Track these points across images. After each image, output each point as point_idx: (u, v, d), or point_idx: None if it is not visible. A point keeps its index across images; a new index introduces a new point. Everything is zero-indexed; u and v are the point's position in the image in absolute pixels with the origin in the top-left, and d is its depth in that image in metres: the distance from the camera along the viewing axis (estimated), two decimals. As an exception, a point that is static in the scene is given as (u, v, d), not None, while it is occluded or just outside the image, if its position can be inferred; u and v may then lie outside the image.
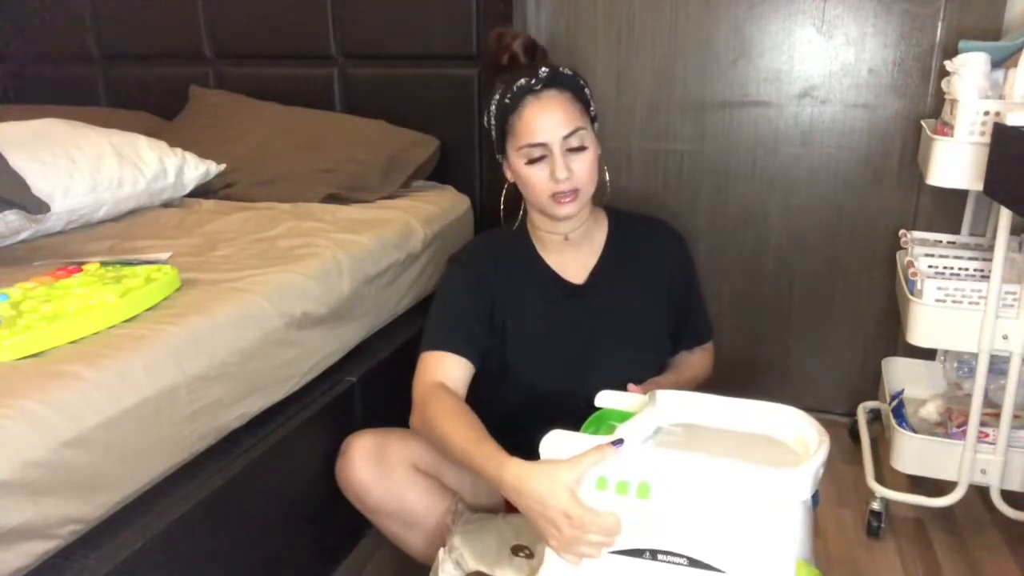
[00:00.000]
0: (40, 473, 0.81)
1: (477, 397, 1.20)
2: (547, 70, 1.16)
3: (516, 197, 1.26)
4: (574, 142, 1.15)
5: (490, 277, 1.27)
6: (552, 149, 1.15)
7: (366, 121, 1.95)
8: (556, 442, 0.94)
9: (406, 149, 1.89)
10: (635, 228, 1.33)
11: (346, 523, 1.31)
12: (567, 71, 1.19)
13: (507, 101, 1.17)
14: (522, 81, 1.16)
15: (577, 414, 1.04)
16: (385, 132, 1.92)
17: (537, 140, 1.14)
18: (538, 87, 1.15)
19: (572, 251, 1.29)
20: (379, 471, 1.20)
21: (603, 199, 1.31)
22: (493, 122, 1.21)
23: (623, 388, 1.11)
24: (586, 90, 1.20)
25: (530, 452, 0.96)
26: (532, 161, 1.16)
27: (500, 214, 1.31)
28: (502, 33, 1.24)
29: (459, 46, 1.95)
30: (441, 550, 1.12)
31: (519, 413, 1.20)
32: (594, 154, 1.19)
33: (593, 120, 1.22)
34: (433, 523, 1.21)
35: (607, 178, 1.28)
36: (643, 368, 1.27)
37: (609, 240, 1.31)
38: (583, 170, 1.17)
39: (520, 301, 1.27)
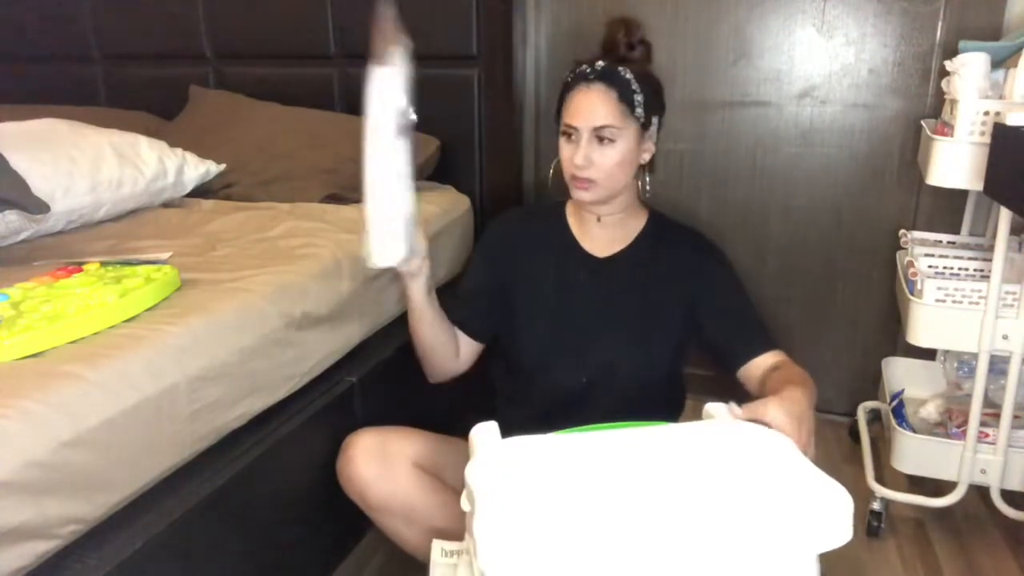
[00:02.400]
0: (40, 473, 0.81)
1: (491, 370, 1.29)
2: (603, 64, 1.21)
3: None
4: (604, 135, 1.19)
5: (506, 249, 1.35)
6: (581, 134, 1.20)
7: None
8: (480, 434, 0.93)
9: (406, 149, 1.89)
10: (672, 230, 1.34)
11: (346, 523, 1.32)
12: (626, 73, 1.21)
13: (568, 80, 1.24)
14: (583, 67, 1.23)
15: (577, 388, 1.11)
16: (385, 132, 1.92)
17: (572, 122, 1.21)
18: (591, 77, 1.21)
19: (604, 232, 1.31)
20: (380, 468, 1.21)
21: (639, 198, 1.32)
22: (558, 96, 1.27)
23: (618, 370, 1.14)
24: (637, 96, 1.21)
25: (535, 422, 0.96)
26: (566, 137, 1.23)
27: (547, 185, 1.37)
28: (611, 21, 1.28)
29: (459, 46, 1.95)
30: (435, 541, 1.12)
31: (524, 382, 1.27)
32: (623, 154, 1.21)
33: (645, 125, 1.23)
34: (434, 521, 1.21)
35: (647, 180, 1.30)
36: (643, 357, 1.27)
37: (643, 233, 1.32)
38: (603, 164, 1.20)
39: (539, 269, 1.32)
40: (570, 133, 1.22)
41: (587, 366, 1.25)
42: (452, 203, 1.88)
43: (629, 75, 1.21)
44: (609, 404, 1.24)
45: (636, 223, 1.32)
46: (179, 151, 1.75)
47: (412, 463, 1.23)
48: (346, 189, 1.76)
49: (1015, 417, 1.46)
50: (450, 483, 1.24)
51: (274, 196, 1.75)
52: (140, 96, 2.26)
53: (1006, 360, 1.44)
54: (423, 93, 2.10)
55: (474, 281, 1.38)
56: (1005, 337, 1.42)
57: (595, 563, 0.68)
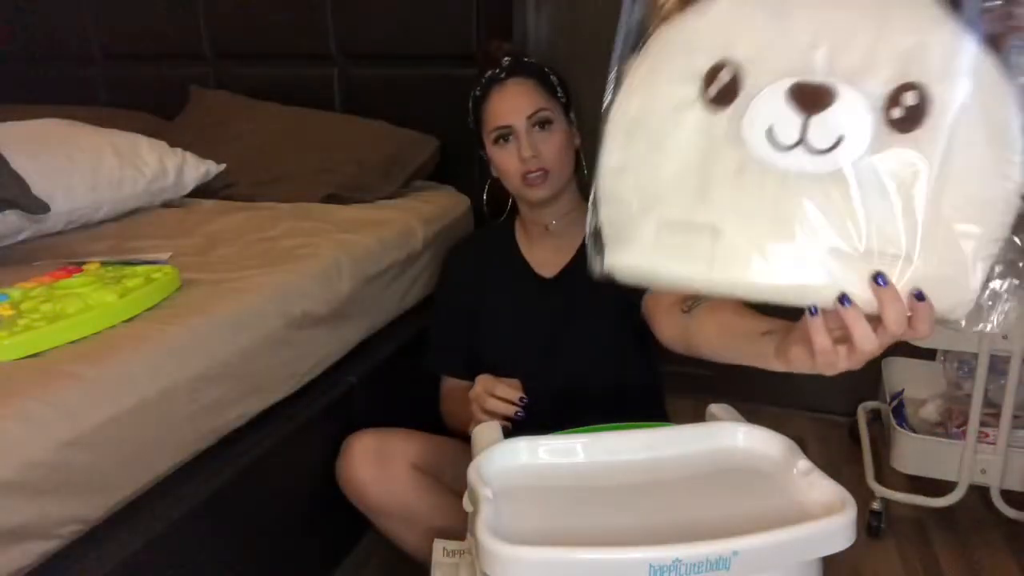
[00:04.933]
0: (40, 473, 0.81)
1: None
2: (509, 59, 1.22)
3: (502, 193, 1.33)
4: (540, 118, 1.19)
5: (466, 276, 1.36)
6: (518, 130, 1.20)
7: (366, 121, 1.95)
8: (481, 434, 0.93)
9: (406, 149, 1.89)
10: None
11: (346, 523, 1.32)
12: (531, 60, 1.25)
13: (477, 93, 1.26)
14: (489, 73, 1.24)
15: (547, 408, 1.09)
16: (385, 132, 1.92)
17: (502, 123, 1.20)
18: (502, 76, 1.22)
19: (552, 242, 1.30)
20: (380, 470, 1.20)
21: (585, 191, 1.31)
22: (471, 117, 1.29)
23: (588, 383, 1.12)
24: (552, 77, 1.24)
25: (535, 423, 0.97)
26: (499, 145, 1.22)
27: (484, 211, 1.39)
28: (487, 44, 1.31)
29: (459, 46, 1.94)
30: (436, 540, 1.12)
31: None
32: (564, 137, 1.22)
33: (566, 108, 1.25)
34: (433, 522, 1.21)
35: (583, 166, 1.29)
36: (608, 366, 1.26)
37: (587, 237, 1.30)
38: (550, 150, 1.20)
39: (495, 294, 1.33)
40: (504, 135, 1.21)
41: (553, 386, 1.21)
42: (452, 203, 1.88)
43: (533, 60, 1.24)
44: (589, 418, 1.21)
45: (580, 227, 1.29)
46: (179, 151, 1.75)
47: (411, 465, 1.22)
48: (346, 189, 1.76)
49: (1015, 417, 1.46)
50: (450, 484, 1.24)
51: (274, 196, 1.74)
52: (140, 96, 2.26)
53: (1006, 360, 1.44)
54: (423, 93, 2.11)
55: (448, 323, 1.39)
56: (1005, 337, 1.42)
57: (596, 563, 0.68)
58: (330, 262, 1.35)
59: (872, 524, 1.61)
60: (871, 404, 1.95)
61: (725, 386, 1.23)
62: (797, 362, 0.69)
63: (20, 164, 1.38)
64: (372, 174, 1.80)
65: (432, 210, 1.76)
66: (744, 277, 0.63)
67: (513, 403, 1.09)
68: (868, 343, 0.61)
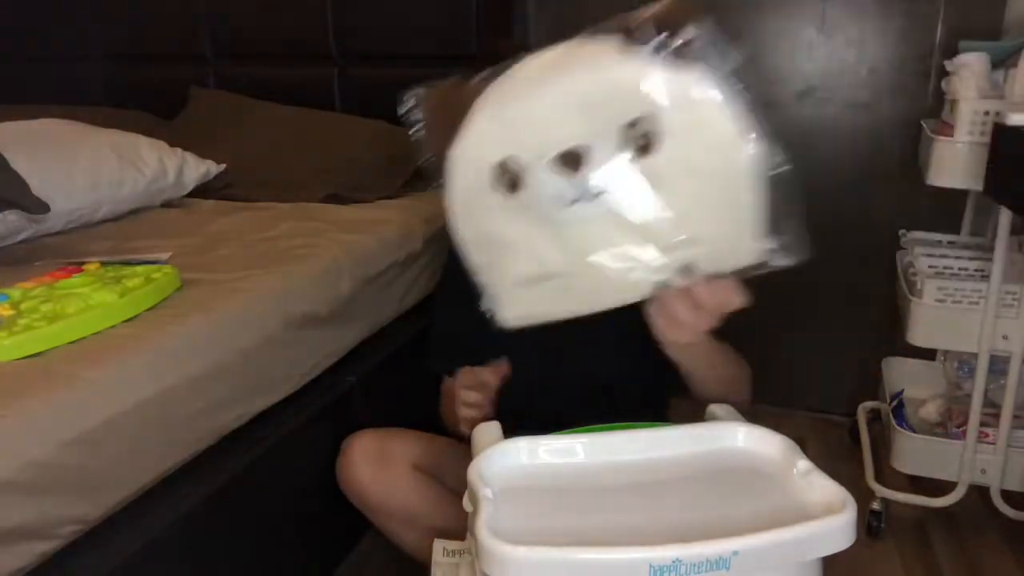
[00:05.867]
0: (40, 473, 0.81)
1: None
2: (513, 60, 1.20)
3: None
4: None
5: (468, 281, 1.30)
6: None
7: (366, 121, 1.95)
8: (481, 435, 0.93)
9: (406, 149, 1.88)
10: None
11: (346, 523, 1.31)
12: None
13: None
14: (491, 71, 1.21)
15: (549, 407, 1.06)
16: (385, 132, 1.92)
17: None
18: None
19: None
20: (380, 471, 1.20)
21: None
22: None
23: (590, 383, 1.10)
24: None
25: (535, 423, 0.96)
26: None
27: None
28: (496, 41, 1.29)
29: (459, 46, 1.94)
30: (437, 540, 1.12)
31: (504, 404, 1.21)
32: None
33: None
34: (434, 523, 1.20)
35: None
36: (610, 366, 1.25)
37: None
38: None
39: None
40: None
41: (559, 386, 1.19)
42: (452, 203, 1.88)
43: None
44: (590, 418, 1.21)
45: None
46: (179, 151, 1.75)
47: (412, 465, 1.22)
48: (346, 189, 1.76)
49: (1015, 417, 1.46)
50: (450, 484, 1.24)
51: (274, 196, 1.74)
52: (140, 96, 2.26)
53: (1006, 360, 1.44)
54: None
55: (449, 322, 1.32)
56: (1005, 337, 1.42)
57: (595, 563, 0.68)
58: (330, 262, 1.35)
59: (872, 524, 1.60)
60: (871, 404, 1.95)
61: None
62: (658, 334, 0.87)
63: (20, 164, 1.38)
64: (372, 174, 1.80)
65: (432, 210, 1.76)
66: (594, 297, 0.83)
67: (487, 388, 1.06)
68: (689, 314, 0.81)
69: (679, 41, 0.67)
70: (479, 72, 0.82)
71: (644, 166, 0.72)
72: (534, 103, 0.73)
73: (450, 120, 0.78)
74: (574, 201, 0.75)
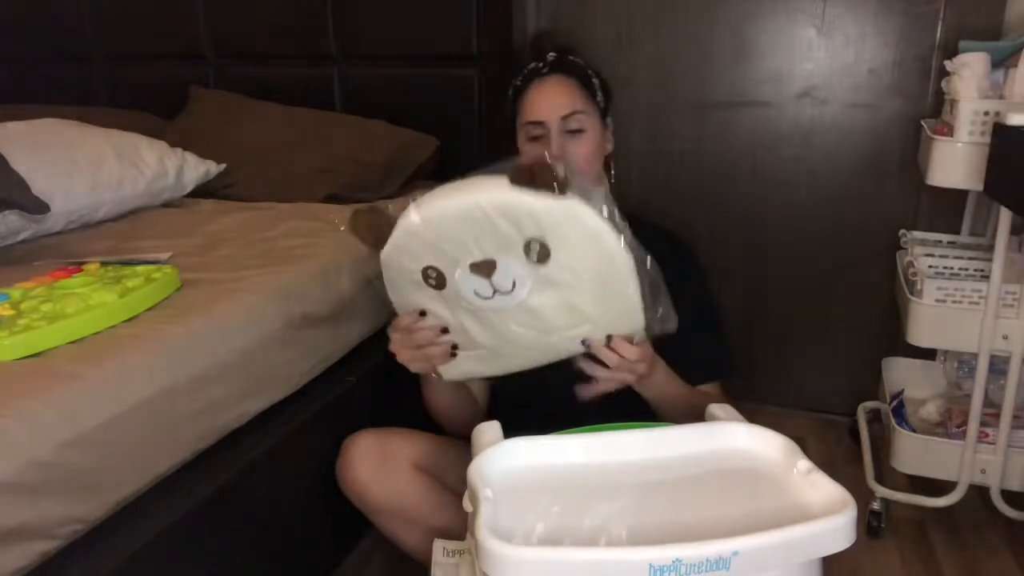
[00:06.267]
0: (40, 473, 0.81)
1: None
2: (555, 55, 1.21)
3: None
4: (572, 124, 1.17)
5: None
6: (550, 128, 1.18)
7: (366, 121, 1.95)
8: (482, 434, 0.93)
9: (406, 149, 1.89)
10: (644, 230, 1.25)
11: (346, 523, 1.31)
12: (577, 60, 1.22)
13: (518, 83, 1.23)
14: (532, 64, 1.22)
15: (551, 407, 1.04)
16: (385, 132, 1.92)
17: (536, 118, 1.18)
18: (544, 70, 1.20)
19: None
20: (380, 470, 1.20)
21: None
22: (509, 105, 1.26)
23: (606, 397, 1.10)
24: (594, 80, 1.21)
25: (536, 422, 0.96)
26: (532, 139, 1.20)
27: None
28: (535, 38, 1.29)
29: (459, 46, 1.95)
30: (437, 540, 1.12)
31: (507, 400, 1.25)
32: (595, 142, 1.20)
33: (603, 112, 1.23)
34: (434, 523, 1.20)
35: (612, 173, 1.27)
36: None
37: None
38: (578, 153, 1.17)
39: None
40: (536, 134, 1.19)
41: (562, 386, 1.10)
42: (452, 203, 1.88)
43: (581, 61, 1.21)
44: (591, 418, 1.21)
45: None
46: (179, 151, 1.75)
47: (412, 464, 1.22)
48: (346, 189, 1.76)
49: (1015, 417, 1.46)
50: (451, 484, 1.24)
51: (274, 196, 1.75)
52: (140, 96, 2.26)
53: (1006, 360, 1.44)
54: (423, 93, 2.11)
55: None
56: (1005, 337, 1.41)
57: (596, 563, 0.68)
58: (330, 262, 1.35)
59: (872, 524, 1.61)
60: (871, 404, 1.95)
61: (726, 387, 1.23)
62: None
63: (20, 164, 1.39)
64: (372, 174, 1.80)
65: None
66: (518, 361, 1.04)
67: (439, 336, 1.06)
68: (601, 372, 1.00)
69: (559, 179, 0.86)
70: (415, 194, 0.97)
71: (542, 271, 0.92)
72: (449, 225, 0.92)
73: (376, 237, 0.97)
74: (492, 296, 0.95)
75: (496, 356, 1.05)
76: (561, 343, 1.01)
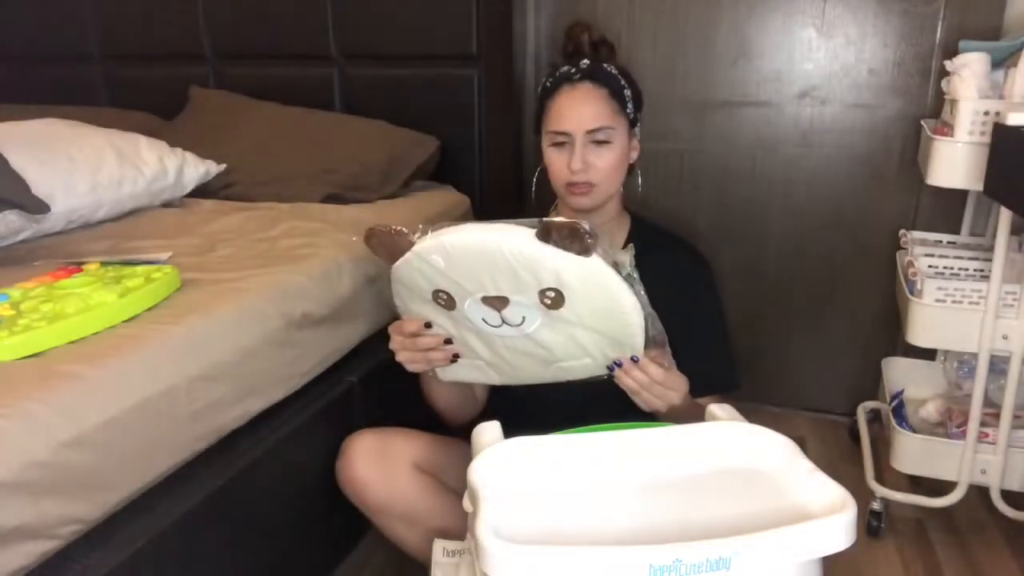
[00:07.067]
0: (40, 473, 0.81)
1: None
2: (588, 63, 1.18)
3: (549, 184, 1.27)
4: (599, 136, 1.16)
5: None
6: (575, 139, 1.16)
7: (366, 121, 1.95)
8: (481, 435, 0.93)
9: (406, 149, 1.89)
10: (655, 240, 1.27)
11: (346, 523, 1.32)
12: (611, 69, 1.19)
13: (548, 84, 1.21)
14: (564, 68, 1.19)
15: (552, 407, 1.06)
16: (385, 132, 1.92)
17: (562, 128, 1.16)
18: (576, 76, 1.17)
19: None
20: (380, 470, 1.20)
21: (631, 203, 1.31)
22: (537, 103, 1.24)
23: (597, 384, 1.11)
24: (626, 91, 1.19)
25: (536, 422, 0.97)
26: (555, 145, 1.19)
27: (532, 197, 1.35)
28: (572, 25, 1.25)
29: (459, 46, 1.95)
30: (436, 540, 1.12)
31: (515, 402, 1.21)
32: (619, 154, 1.18)
33: (632, 123, 1.21)
34: (434, 523, 1.21)
35: (639, 182, 1.27)
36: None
37: (628, 242, 1.28)
38: (602, 166, 1.16)
39: None
40: (560, 142, 1.17)
41: (565, 386, 1.12)
42: (452, 203, 1.88)
43: (615, 70, 1.18)
44: (606, 416, 1.21)
45: (621, 231, 1.29)
46: (179, 151, 1.75)
47: (412, 464, 1.22)
48: (346, 189, 1.76)
49: (1015, 417, 1.46)
50: (450, 484, 1.24)
51: (274, 196, 1.74)
52: (140, 96, 2.26)
53: (1006, 360, 1.44)
54: (423, 93, 2.11)
55: None
56: (1005, 337, 1.42)
57: (596, 563, 0.68)
58: (330, 262, 1.35)
59: (872, 524, 1.61)
60: (871, 404, 1.95)
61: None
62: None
63: (20, 164, 1.39)
64: (372, 174, 1.80)
65: (432, 210, 1.76)
66: (515, 377, 1.10)
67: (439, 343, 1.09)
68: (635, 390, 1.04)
69: (584, 244, 0.90)
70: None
71: (554, 313, 0.97)
72: (469, 262, 0.94)
73: (390, 254, 1.00)
74: (500, 325, 1.00)
75: (495, 370, 1.09)
76: (560, 371, 1.06)
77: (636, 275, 0.97)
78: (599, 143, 1.16)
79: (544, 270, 0.92)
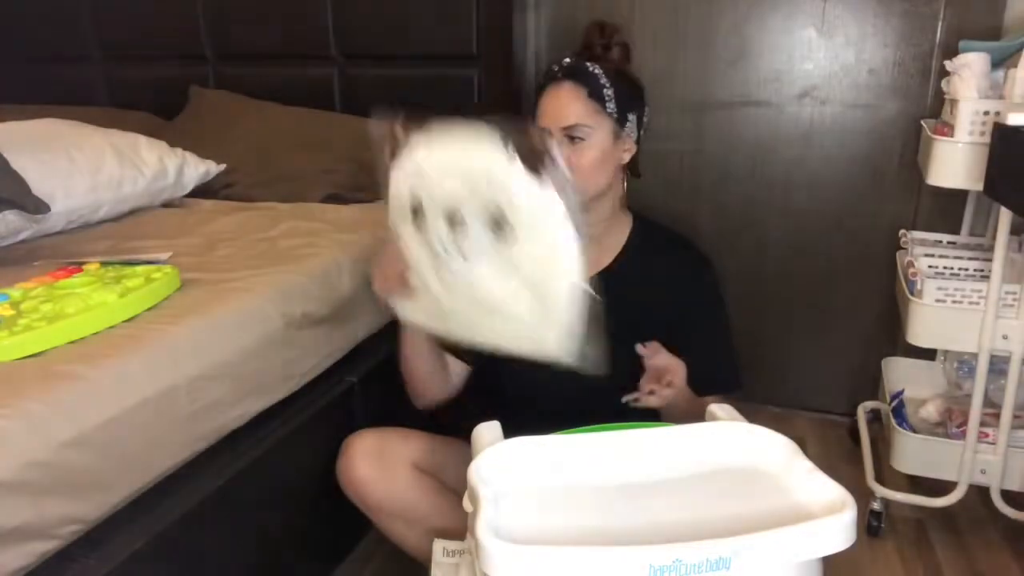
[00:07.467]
0: (40, 473, 0.81)
1: (480, 387, 1.28)
2: (568, 61, 1.19)
3: None
4: (575, 134, 1.16)
5: None
6: (554, 135, 1.16)
7: (366, 121, 1.95)
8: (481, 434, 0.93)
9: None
10: (658, 241, 1.28)
11: (346, 523, 1.31)
12: (595, 69, 1.18)
13: (540, 82, 1.23)
14: (552, 67, 1.20)
15: (554, 407, 1.04)
16: (385, 132, 1.92)
17: (543, 124, 1.18)
18: (559, 75, 1.18)
19: (591, 244, 1.27)
20: (380, 470, 1.20)
21: (632, 203, 1.31)
22: (536, 102, 1.25)
23: (600, 384, 1.10)
24: (607, 91, 1.18)
25: (536, 422, 0.95)
26: None
27: None
28: (589, 24, 1.27)
29: (459, 46, 1.95)
30: (436, 540, 1.12)
31: (515, 402, 1.22)
32: (598, 153, 1.17)
33: (618, 121, 1.19)
34: (434, 523, 1.21)
35: (624, 184, 1.26)
36: (624, 369, 1.22)
37: (630, 242, 1.27)
38: (576, 162, 1.15)
39: None
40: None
41: (575, 387, 1.09)
42: (452, 203, 1.88)
43: (598, 70, 1.17)
44: (605, 416, 1.21)
45: (621, 231, 1.28)
46: (179, 151, 1.75)
47: (412, 464, 1.22)
48: (346, 189, 1.76)
49: (1015, 417, 1.46)
50: (450, 484, 1.24)
51: (274, 196, 1.75)
52: (140, 96, 2.26)
53: (1006, 360, 1.44)
54: (423, 93, 2.11)
55: None
56: (1005, 337, 1.41)
57: (596, 563, 0.68)
58: (330, 262, 1.35)
59: (872, 524, 1.61)
60: (871, 404, 1.95)
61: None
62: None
63: (20, 164, 1.39)
64: (372, 174, 1.80)
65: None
66: (465, 331, 1.09)
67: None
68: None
69: (541, 156, 0.90)
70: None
71: (503, 253, 0.96)
72: (435, 160, 0.98)
73: (392, 151, 1.03)
74: (451, 250, 1.00)
75: (442, 316, 1.09)
76: (494, 332, 1.05)
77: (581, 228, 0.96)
78: (575, 140, 1.17)
79: (501, 188, 0.94)
